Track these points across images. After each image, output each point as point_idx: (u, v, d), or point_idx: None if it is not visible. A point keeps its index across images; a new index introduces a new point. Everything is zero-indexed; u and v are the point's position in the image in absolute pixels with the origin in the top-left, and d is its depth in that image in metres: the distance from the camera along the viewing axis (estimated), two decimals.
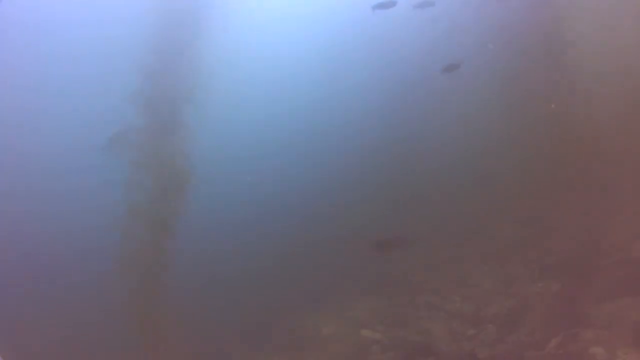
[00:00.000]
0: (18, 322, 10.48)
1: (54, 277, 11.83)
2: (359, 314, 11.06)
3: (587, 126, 12.06)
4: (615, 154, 11.22)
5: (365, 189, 13.30)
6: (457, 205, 12.15)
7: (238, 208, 13.33)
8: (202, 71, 13.55)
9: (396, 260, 11.97)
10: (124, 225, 11.79)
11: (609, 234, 9.57)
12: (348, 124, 14.16)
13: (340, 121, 14.14)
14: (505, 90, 13.86)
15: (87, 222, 12.56)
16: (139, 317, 10.83)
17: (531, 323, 8.59)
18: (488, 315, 9.59)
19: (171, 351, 10.43)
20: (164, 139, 13.15)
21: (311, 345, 10.58)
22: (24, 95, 13.74)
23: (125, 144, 12.95)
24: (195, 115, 13.40)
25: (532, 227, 11.55)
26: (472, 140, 13.66)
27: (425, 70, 13.92)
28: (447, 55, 13.05)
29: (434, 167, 13.49)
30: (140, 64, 13.08)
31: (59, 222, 13.01)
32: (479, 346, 8.79)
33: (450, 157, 13.61)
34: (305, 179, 13.55)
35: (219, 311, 11.31)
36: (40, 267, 12.14)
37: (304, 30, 15.35)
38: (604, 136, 11.62)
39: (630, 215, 9.68)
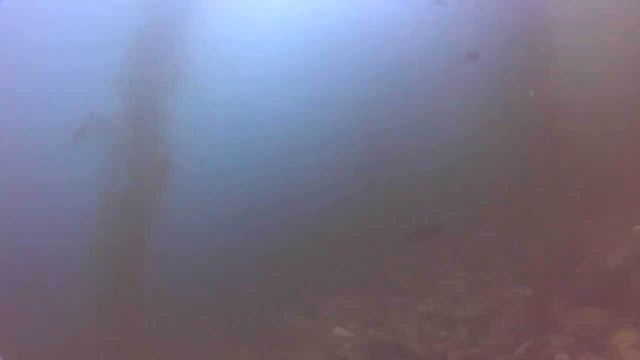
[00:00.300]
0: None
1: (30, 270, 11.61)
2: (332, 312, 11.09)
3: (569, 137, 12.21)
4: (595, 165, 11.38)
5: (344, 190, 13.29)
6: (434, 207, 12.18)
7: (215, 202, 13.21)
8: (188, 61, 13.38)
9: (370, 259, 12.05)
10: (100, 213, 11.61)
11: (584, 244, 9.68)
12: (332, 123, 14.10)
13: (325, 119, 14.09)
14: (490, 99, 13.93)
15: (63, 210, 12.32)
16: (115, 308, 10.69)
17: (502, 327, 8.66)
18: (460, 318, 9.64)
19: (144, 343, 10.26)
20: (145, 128, 12.97)
21: (283, 341, 10.56)
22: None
23: (105, 130, 12.72)
24: (178, 106, 13.24)
25: (509, 233, 11.66)
26: (455, 145, 13.71)
27: (423, 69, 13.96)
28: (445, 54, 13.12)
29: (415, 170, 13.52)
30: (124, 50, 12.86)
31: (36, 210, 12.74)
32: (450, 348, 8.81)
33: (430, 161, 13.64)
34: (285, 176, 13.46)
35: (191, 304, 11.22)
36: (17, 262, 11.87)
37: (294, 24, 15.22)
38: (586, 146, 11.78)
39: (605, 226, 9.82)
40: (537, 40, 13.81)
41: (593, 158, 11.53)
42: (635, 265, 8.04)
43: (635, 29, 12.67)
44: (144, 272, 11.40)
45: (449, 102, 14.20)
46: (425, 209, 12.46)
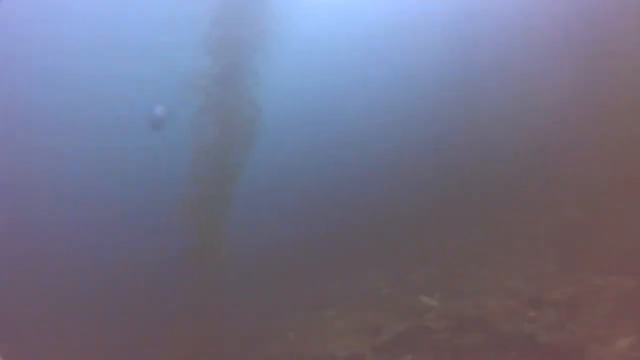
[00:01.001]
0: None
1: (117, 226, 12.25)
2: (418, 280, 11.25)
3: None
4: None
5: (437, 161, 13.06)
6: (530, 183, 11.82)
7: (303, 163, 13.35)
8: (276, 21, 13.22)
9: (459, 231, 11.98)
10: (189, 172, 12.00)
11: None
12: (426, 93, 13.67)
13: (421, 87, 13.67)
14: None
15: (152, 171, 12.81)
16: (200, 266, 11.17)
17: (598, 316, 8.50)
18: (550, 300, 9.51)
19: (228, 302, 10.76)
20: (233, 87, 13.10)
21: (367, 305, 10.90)
22: (96, 43, 13.76)
23: (193, 90, 12.92)
24: (265, 63, 13.23)
25: (612, 217, 11.15)
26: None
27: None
28: None
29: (498, 147, 13.08)
30: (211, 9, 12.86)
31: (126, 168, 13.23)
32: (538, 330, 8.79)
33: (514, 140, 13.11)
34: (376, 142, 13.34)
35: (276, 264, 11.63)
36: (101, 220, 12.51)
37: None
38: None
39: None
40: None
41: None
42: None
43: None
44: (230, 231, 11.78)
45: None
46: (510, 186, 12.16)
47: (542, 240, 11.47)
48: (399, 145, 13.22)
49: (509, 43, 13.66)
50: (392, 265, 11.52)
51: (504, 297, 10.12)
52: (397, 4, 14.28)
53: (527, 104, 13.24)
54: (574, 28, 13.09)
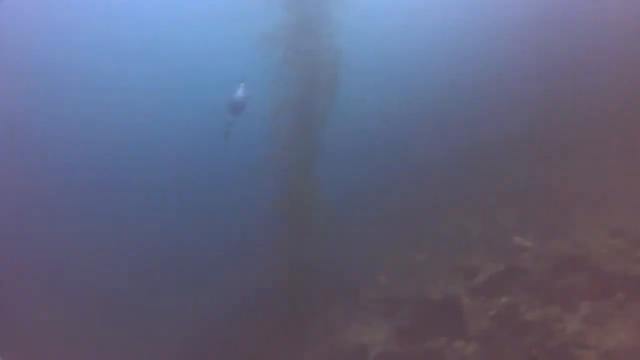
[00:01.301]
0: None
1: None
2: (510, 220, 10.90)
3: None
4: None
5: (522, 97, 12.28)
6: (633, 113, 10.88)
7: (386, 108, 12.99)
8: None
9: (550, 165, 11.38)
10: (274, 121, 11.97)
11: None
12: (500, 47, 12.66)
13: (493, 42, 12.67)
14: None
15: (236, 123, 12.84)
16: (289, 211, 11.25)
17: None
18: None
19: (315, 251, 10.86)
20: (312, 35, 12.66)
21: (457, 247, 10.80)
22: None
23: (273, 41, 12.62)
24: (344, 9, 12.64)
25: None
26: None
27: None
28: None
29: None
30: None
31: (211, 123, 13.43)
32: None
33: None
34: (454, 86, 12.67)
35: (363, 207, 11.64)
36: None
37: None
38: None
39: None
40: None
41: None
42: None
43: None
44: (318, 179, 11.81)
45: None
46: (609, 118, 11.29)
47: None
48: (483, 87, 12.49)
49: None
50: (482, 204, 11.19)
51: (607, 236, 9.60)
52: None
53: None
54: None
